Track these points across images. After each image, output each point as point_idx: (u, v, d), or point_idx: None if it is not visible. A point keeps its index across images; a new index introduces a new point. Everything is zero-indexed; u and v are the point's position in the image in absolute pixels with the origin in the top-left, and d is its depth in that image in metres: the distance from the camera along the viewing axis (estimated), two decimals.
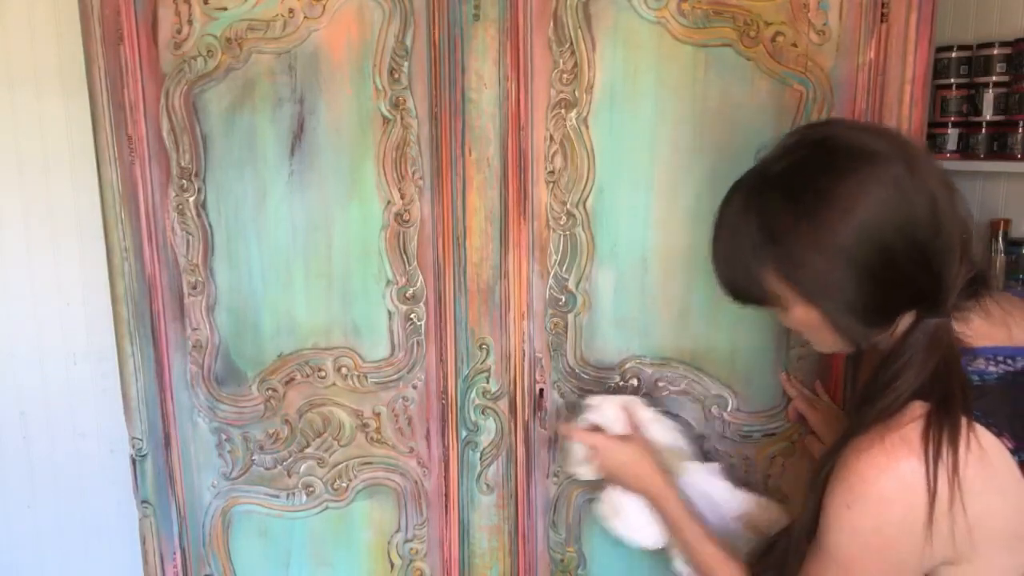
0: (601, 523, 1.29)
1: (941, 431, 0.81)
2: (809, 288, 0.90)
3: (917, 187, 0.84)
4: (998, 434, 0.82)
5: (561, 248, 1.29)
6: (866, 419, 0.86)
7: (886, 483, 0.82)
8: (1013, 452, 0.81)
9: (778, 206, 0.90)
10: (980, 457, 0.81)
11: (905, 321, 0.89)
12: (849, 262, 0.86)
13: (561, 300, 1.31)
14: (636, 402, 1.27)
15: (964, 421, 0.81)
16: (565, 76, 1.23)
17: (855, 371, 1.08)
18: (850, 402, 1.14)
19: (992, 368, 0.86)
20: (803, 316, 0.93)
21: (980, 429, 0.82)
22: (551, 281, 1.30)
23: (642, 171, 1.26)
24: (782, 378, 1.28)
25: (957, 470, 0.80)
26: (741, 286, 0.97)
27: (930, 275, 0.86)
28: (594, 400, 1.27)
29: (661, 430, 1.26)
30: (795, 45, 1.20)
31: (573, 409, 1.31)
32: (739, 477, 1.31)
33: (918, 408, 0.84)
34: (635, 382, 1.32)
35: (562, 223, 1.28)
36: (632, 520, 1.23)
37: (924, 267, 0.86)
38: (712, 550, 1.10)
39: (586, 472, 1.26)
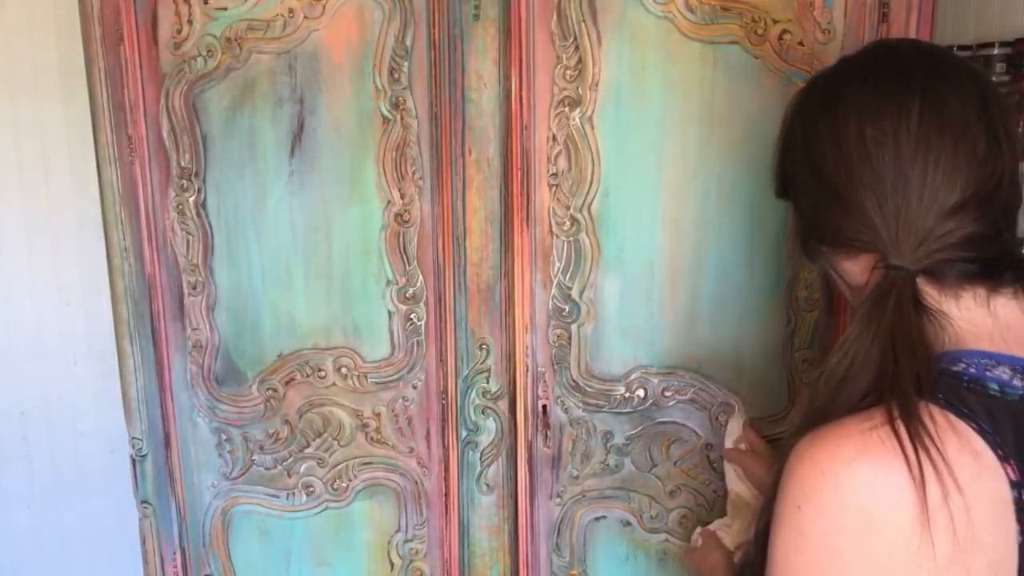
0: None
1: (918, 425, 0.67)
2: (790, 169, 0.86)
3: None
4: (1003, 458, 0.67)
5: (565, 255, 1.28)
6: (818, 400, 0.74)
7: (851, 479, 0.67)
8: (1014, 485, 0.67)
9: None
10: (967, 453, 0.68)
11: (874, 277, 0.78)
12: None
13: (565, 310, 1.30)
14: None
15: (945, 416, 0.69)
16: (569, 72, 1.23)
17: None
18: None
19: (1017, 383, 0.71)
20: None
21: (974, 438, 0.68)
22: (554, 291, 1.29)
23: (649, 172, 1.24)
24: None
25: (945, 459, 0.66)
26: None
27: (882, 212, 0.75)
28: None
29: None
30: (801, 44, 1.19)
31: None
32: None
33: (878, 415, 0.69)
34: (641, 393, 1.31)
35: (565, 228, 1.27)
36: None
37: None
38: None
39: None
